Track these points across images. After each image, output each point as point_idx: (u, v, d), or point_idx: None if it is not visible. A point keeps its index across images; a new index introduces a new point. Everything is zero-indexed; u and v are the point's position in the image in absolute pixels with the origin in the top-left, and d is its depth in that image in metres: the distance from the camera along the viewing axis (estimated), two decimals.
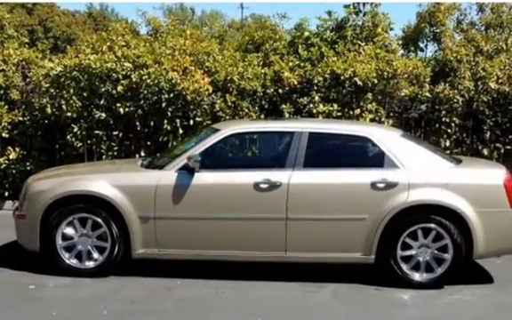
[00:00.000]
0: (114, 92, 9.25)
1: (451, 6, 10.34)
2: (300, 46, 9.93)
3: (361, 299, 5.82)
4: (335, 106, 9.24)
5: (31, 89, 10.04)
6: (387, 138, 6.34)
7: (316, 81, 9.35)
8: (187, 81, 9.09)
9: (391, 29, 10.30)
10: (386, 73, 9.34)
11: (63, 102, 9.30)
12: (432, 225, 5.96)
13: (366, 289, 5.99)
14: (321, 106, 9.21)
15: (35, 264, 6.26)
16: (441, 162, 6.32)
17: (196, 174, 6.04)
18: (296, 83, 9.40)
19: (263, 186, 6.00)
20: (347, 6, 10.17)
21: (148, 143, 9.51)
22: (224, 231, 6.07)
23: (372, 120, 9.17)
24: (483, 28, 10.60)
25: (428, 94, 9.52)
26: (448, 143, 9.55)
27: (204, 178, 6.06)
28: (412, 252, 6.02)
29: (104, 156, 9.42)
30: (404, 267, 6.01)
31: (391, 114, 9.62)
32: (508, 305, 5.79)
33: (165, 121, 9.26)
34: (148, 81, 9.14)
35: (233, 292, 5.85)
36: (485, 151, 9.55)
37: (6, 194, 9.88)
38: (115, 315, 5.27)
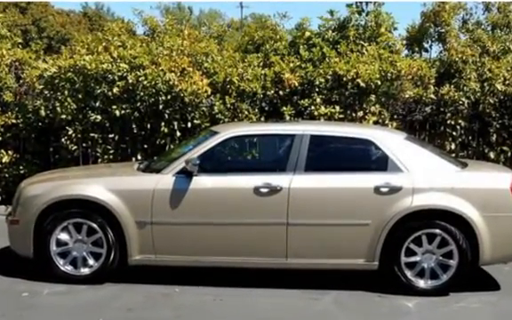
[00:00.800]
0: (110, 93, 9.17)
1: (456, 5, 10.25)
2: (301, 47, 9.85)
3: (364, 306, 5.74)
4: (337, 108, 9.16)
5: (25, 90, 9.98)
6: (390, 141, 6.24)
7: (317, 82, 9.27)
8: (185, 82, 9.01)
9: (395, 29, 10.24)
10: (389, 74, 9.27)
11: (57, 104, 9.21)
12: (437, 230, 5.87)
13: (369, 296, 5.91)
14: (322, 108, 9.12)
15: (28, 270, 6.18)
16: (446, 165, 6.23)
17: (195, 178, 5.95)
18: (297, 84, 9.30)
19: (263, 190, 5.90)
20: (349, 5, 10.08)
21: (145, 146, 9.42)
22: (223, 237, 5.99)
23: (376, 122, 9.11)
24: (489, 28, 10.52)
25: (432, 96, 9.44)
26: (453, 146, 9.49)
27: (202, 182, 5.98)
28: (417, 259, 5.93)
29: (100, 160, 9.34)
30: (409, 273, 5.92)
31: (395, 116, 9.56)
32: None
33: (163, 123, 9.17)
34: (145, 82, 9.05)
35: (232, 299, 5.79)
36: (492, 154, 9.47)
37: None
38: None
